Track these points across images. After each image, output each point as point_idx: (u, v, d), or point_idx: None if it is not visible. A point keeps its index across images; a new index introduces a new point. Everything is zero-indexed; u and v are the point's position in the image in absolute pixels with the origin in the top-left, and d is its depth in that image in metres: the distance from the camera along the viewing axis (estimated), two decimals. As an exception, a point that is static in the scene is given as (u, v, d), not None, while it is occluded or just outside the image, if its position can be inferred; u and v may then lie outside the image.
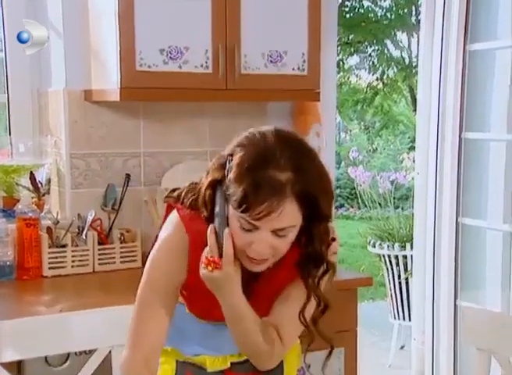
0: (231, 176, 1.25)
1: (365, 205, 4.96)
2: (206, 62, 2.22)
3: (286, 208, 1.23)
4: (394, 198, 4.69)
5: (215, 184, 1.30)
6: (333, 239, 1.36)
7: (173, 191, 1.44)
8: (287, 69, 2.34)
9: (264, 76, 2.31)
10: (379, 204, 4.65)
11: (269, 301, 1.41)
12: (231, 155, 1.28)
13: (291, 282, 1.39)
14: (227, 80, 2.24)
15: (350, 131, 11.19)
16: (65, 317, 1.71)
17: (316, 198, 1.26)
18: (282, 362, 1.51)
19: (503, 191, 3.11)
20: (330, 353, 1.40)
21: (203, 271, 1.31)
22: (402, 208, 5.54)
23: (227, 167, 1.27)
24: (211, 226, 1.30)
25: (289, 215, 1.24)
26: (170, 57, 2.16)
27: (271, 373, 1.49)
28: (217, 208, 1.30)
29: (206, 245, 1.31)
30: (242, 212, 1.24)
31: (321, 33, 2.40)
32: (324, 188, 1.28)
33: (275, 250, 1.29)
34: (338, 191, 8.82)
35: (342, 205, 9.06)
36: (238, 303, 1.33)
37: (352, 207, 8.95)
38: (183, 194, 1.39)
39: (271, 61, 2.31)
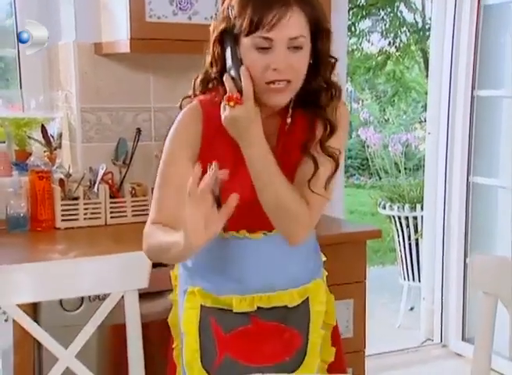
0: (235, 10, 1.33)
1: (377, 174, 4.94)
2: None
3: (294, 15, 1.32)
4: (406, 168, 4.66)
5: (222, 37, 1.37)
6: (336, 59, 1.43)
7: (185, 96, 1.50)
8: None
9: (274, 28, 2.29)
10: (392, 174, 4.63)
11: (289, 163, 1.42)
12: (230, 2, 1.36)
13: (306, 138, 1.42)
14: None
15: (362, 101, 11.10)
16: (78, 262, 1.74)
17: (317, 10, 1.36)
18: (308, 310, 1.52)
19: (515, 149, 3.10)
20: (335, 172, 1.42)
21: (225, 112, 1.35)
22: (414, 178, 5.52)
23: (229, 9, 1.34)
24: (226, 75, 1.36)
25: (298, 23, 1.33)
26: (180, 8, 2.15)
27: (296, 319, 1.51)
28: (229, 60, 1.35)
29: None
30: (255, 29, 1.31)
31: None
32: (320, 4, 1.38)
33: (292, 67, 1.34)
34: (349, 161, 8.80)
35: (353, 175, 9.04)
36: (261, 146, 1.36)
37: (363, 176, 8.92)
38: (192, 83, 1.46)
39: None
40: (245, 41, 1.34)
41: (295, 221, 1.40)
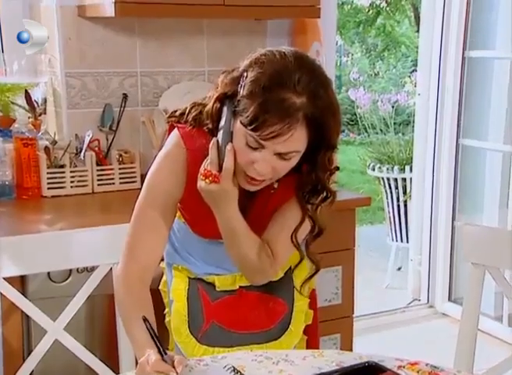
0: (245, 92, 1.24)
1: (365, 130, 4.92)
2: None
3: (295, 133, 1.23)
4: (395, 123, 4.64)
5: (224, 98, 1.29)
6: (337, 168, 1.37)
7: (175, 111, 1.43)
8: (287, -16, 2.27)
9: (263, -10, 2.23)
10: (380, 130, 4.61)
11: (265, 222, 1.43)
12: (246, 70, 1.26)
13: (286, 202, 1.40)
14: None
15: (352, 55, 10.97)
16: (66, 234, 1.72)
17: (327, 126, 1.26)
18: (291, 279, 1.54)
19: (505, 111, 3.08)
20: (314, 274, 1.45)
21: (200, 183, 1.32)
22: (403, 134, 5.51)
23: (241, 83, 1.25)
24: (213, 140, 1.31)
25: (297, 140, 1.25)
26: (166, -30, 2.08)
27: (280, 289, 1.53)
28: (222, 123, 1.30)
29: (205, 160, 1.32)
30: (252, 130, 1.23)
31: None
32: (335, 118, 1.28)
33: (275, 172, 1.30)
34: (338, 116, 8.74)
35: (342, 131, 8.98)
36: (233, 217, 1.35)
37: (352, 132, 8.90)
38: (186, 110, 1.39)
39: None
40: (240, 126, 1.26)
41: (256, 273, 1.44)
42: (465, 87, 3.22)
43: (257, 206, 1.42)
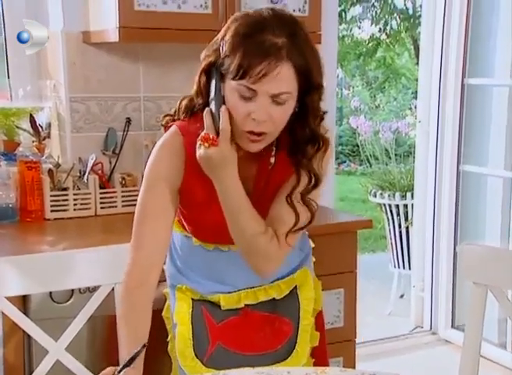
0: (227, 48, 1.29)
1: (367, 161, 4.95)
2: (205, 3, 2.19)
3: (282, 70, 1.27)
4: (396, 154, 4.67)
5: (209, 69, 1.33)
6: (325, 112, 1.39)
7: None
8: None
9: (264, 17, 2.27)
10: (382, 160, 4.63)
11: (269, 204, 1.41)
12: (225, 34, 1.31)
13: (287, 181, 1.40)
14: (227, 21, 2.21)
15: (353, 88, 11.09)
16: (68, 255, 1.72)
17: (309, 64, 1.30)
18: (297, 298, 1.53)
19: (505, 137, 3.10)
20: (310, 222, 1.41)
21: (199, 150, 1.32)
22: (404, 164, 5.53)
23: (221, 44, 1.30)
24: (206, 109, 1.33)
25: (286, 79, 1.28)
26: (169, -4, 2.13)
27: (286, 308, 1.52)
28: (212, 93, 1.32)
29: None
30: (241, 77, 1.26)
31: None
32: (315, 57, 1.32)
33: (273, 120, 1.31)
34: (340, 147, 8.80)
35: (343, 162, 9.04)
36: (234, 187, 1.34)
37: (354, 163, 8.93)
38: (177, 105, 1.43)
39: (271, 1, 2.28)
40: (230, 83, 1.29)
41: (263, 256, 1.39)
42: (465, 113, 3.25)
43: (257, 187, 1.41)
